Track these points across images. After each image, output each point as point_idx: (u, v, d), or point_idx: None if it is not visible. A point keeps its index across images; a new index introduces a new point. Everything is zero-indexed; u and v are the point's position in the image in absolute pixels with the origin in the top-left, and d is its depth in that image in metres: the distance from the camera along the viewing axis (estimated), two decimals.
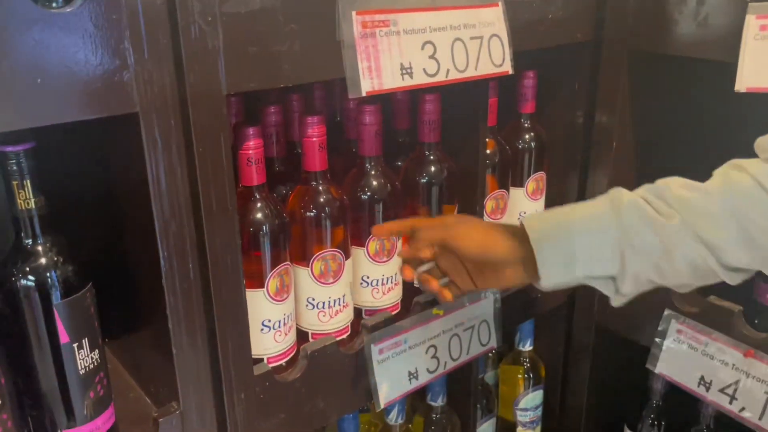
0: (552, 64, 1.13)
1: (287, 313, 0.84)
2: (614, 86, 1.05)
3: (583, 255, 0.71)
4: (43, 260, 0.64)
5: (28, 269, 0.64)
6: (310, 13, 0.69)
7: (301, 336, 0.90)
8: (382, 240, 0.92)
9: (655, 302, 1.06)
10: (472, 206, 1.00)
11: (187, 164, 0.66)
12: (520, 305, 1.14)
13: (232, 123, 0.89)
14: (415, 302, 0.97)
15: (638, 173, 1.11)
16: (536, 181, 1.14)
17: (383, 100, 0.85)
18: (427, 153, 0.96)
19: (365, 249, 0.92)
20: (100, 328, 0.70)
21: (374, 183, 0.90)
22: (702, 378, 1.01)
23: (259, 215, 0.79)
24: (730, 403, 0.98)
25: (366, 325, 0.90)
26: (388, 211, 0.91)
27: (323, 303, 0.88)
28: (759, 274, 0.96)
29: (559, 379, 1.30)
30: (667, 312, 1.04)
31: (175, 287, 0.69)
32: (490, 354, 1.28)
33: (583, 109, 1.12)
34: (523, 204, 1.14)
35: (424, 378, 0.98)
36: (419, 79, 0.79)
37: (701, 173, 0.72)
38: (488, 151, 1.04)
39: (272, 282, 0.81)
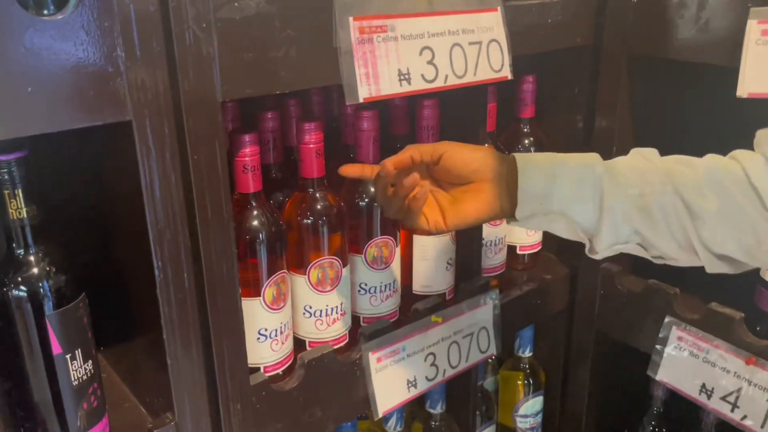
0: (551, 69, 1.12)
1: (284, 321, 0.83)
2: (614, 91, 1.04)
3: (564, 175, 0.72)
4: (35, 270, 0.63)
5: (19, 279, 0.63)
6: (306, 18, 0.69)
7: (298, 344, 0.89)
8: (379, 247, 0.91)
9: (656, 309, 1.05)
10: None
11: (182, 172, 0.65)
12: (520, 311, 1.13)
13: (229, 129, 0.88)
14: (413, 309, 0.96)
15: None
16: None
17: (381, 105, 0.84)
18: None
19: (363, 256, 0.91)
20: (94, 337, 0.69)
21: (372, 189, 0.89)
22: (703, 385, 1.00)
23: (255, 223, 0.79)
24: (732, 411, 0.97)
25: (364, 333, 0.90)
26: (386, 218, 0.90)
27: (320, 311, 0.87)
28: (759, 279, 0.97)
29: (559, 386, 1.30)
30: (668, 319, 1.03)
31: (170, 296, 0.68)
32: (489, 360, 1.27)
33: (582, 114, 1.11)
34: None
35: (422, 386, 0.98)
36: (417, 85, 0.78)
37: None
38: None
39: (269, 290, 0.80)
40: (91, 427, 0.69)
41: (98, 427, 0.70)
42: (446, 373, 1.00)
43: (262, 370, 0.83)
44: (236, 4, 0.63)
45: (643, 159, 0.74)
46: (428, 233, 0.78)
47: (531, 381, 1.28)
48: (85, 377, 0.67)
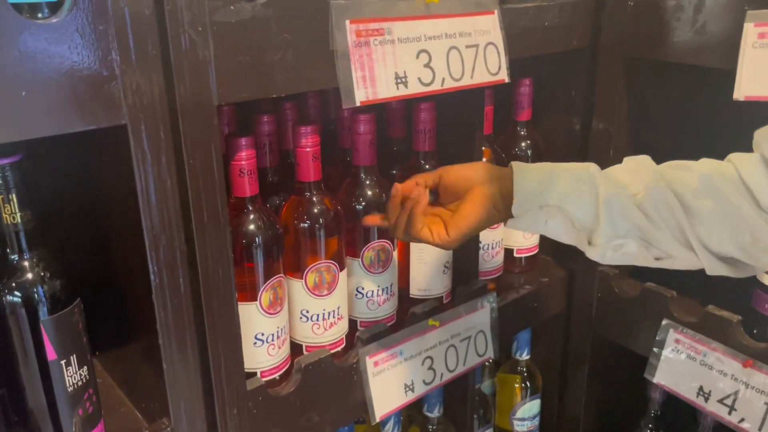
0: (548, 72, 1.12)
1: (281, 326, 0.83)
2: (611, 93, 1.04)
3: (560, 174, 0.74)
4: (29, 275, 0.63)
5: (14, 285, 0.62)
6: (303, 22, 0.68)
7: (295, 349, 0.89)
8: (376, 251, 0.91)
9: (653, 312, 1.05)
10: None
11: (178, 176, 0.65)
12: (517, 314, 1.13)
13: (224, 132, 0.87)
14: (410, 313, 0.95)
15: None
16: None
17: (377, 107, 0.83)
18: (422, 162, 0.95)
19: (360, 260, 0.90)
20: (89, 342, 0.68)
21: (369, 193, 0.89)
22: (701, 388, 1.00)
23: (251, 227, 0.78)
24: (730, 413, 0.97)
25: (361, 337, 0.89)
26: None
27: (317, 315, 0.86)
28: (756, 282, 0.97)
29: (557, 389, 1.29)
30: (665, 322, 1.03)
31: (166, 301, 0.68)
32: (486, 363, 1.27)
33: (579, 117, 1.11)
34: None
35: (420, 390, 0.97)
36: (414, 89, 0.78)
37: None
38: (484, 160, 1.03)
39: (265, 295, 0.80)
40: None
41: None
42: (444, 376, 1.00)
43: (258, 374, 0.82)
44: (232, 8, 0.63)
45: (635, 163, 0.76)
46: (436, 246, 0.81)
47: (528, 384, 1.28)
48: (80, 383, 0.66)
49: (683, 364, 1.01)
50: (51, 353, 0.64)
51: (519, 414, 1.29)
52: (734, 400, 0.96)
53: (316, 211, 0.84)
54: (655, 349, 1.04)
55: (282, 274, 0.83)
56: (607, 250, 0.73)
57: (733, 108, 0.86)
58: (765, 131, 0.70)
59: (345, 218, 0.87)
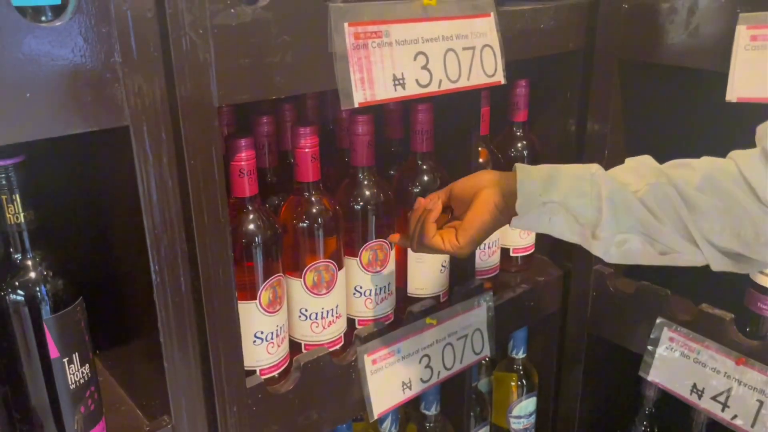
0: (544, 73, 1.13)
1: (280, 324, 0.84)
2: (606, 95, 1.05)
3: (562, 173, 0.75)
4: (32, 275, 0.63)
5: (17, 284, 0.63)
6: (302, 24, 0.69)
7: (294, 347, 0.89)
8: (375, 251, 0.92)
9: (648, 310, 1.06)
10: None
11: (179, 177, 0.66)
12: (514, 313, 1.14)
13: (224, 133, 0.88)
14: (408, 312, 0.96)
15: None
16: None
17: (376, 109, 0.84)
18: (419, 162, 0.96)
19: (358, 259, 0.91)
20: (91, 341, 0.69)
21: (367, 193, 0.90)
22: (694, 386, 1.01)
23: (251, 227, 0.79)
24: (723, 410, 0.98)
25: (359, 335, 0.90)
26: (381, 221, 0.91)
27: (316, 314, 0.87)
28: (749, 281, 0.98)
29: (553, 386, 1.30)
30: (659, 320, 1.04)
31: (167, 300, 0.68)
32: (483, 362, 1.28)
33: (575, 118, 1.12)
34: None
35: (417, 388, 0.98)
36: (412, 90, 0.79)
37: None
38: (481, 160, 1.04)
39: (265, 294, 0.81)
40: (89, 431, 0.69)
41: (95, 431, 0.70)
42: (441, 374, 1.01)
43: (258, 372, 0.83)
44: (233, 11, 0.64)
45: (637, 163, 0.77)
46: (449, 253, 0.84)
47: (524, 382, 1.29)
48: (82, 381, 0.67)
49: (677, 361, 1.02)
50: (54, 351, 0.64)
51: (515, 412, 1.30)
52: (727, 397, 0.97)
53: (314, 211, 0.84)
54: (649, 347, 1.05)
55: (281, 274, 0.83)
56: (610, 246, 0.74)
57: (726, 109, 0.87)
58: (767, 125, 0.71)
59: (343, 218, 0.88)
